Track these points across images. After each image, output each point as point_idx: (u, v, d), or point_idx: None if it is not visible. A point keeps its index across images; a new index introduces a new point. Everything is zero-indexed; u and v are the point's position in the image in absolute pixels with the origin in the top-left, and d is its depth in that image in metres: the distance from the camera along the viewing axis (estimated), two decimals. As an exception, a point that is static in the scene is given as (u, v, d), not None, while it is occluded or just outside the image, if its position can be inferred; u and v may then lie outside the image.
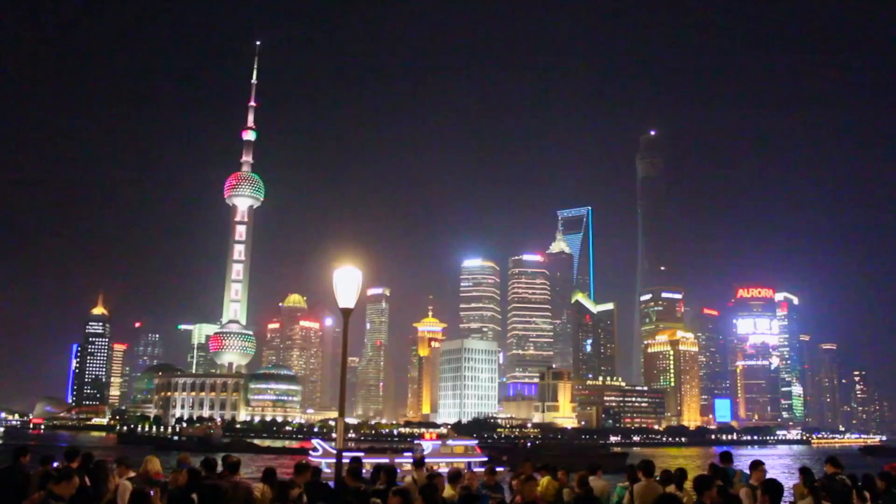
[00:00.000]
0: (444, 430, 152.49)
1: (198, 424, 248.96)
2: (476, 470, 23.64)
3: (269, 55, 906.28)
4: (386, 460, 59.20)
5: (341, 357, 15.94)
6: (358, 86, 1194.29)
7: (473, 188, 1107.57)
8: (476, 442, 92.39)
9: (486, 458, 72.56)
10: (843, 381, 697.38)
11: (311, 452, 67.81)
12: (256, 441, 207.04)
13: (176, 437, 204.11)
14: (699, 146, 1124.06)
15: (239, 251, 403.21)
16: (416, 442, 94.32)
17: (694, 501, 13.07)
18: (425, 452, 72.39)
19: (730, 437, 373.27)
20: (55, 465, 14.37)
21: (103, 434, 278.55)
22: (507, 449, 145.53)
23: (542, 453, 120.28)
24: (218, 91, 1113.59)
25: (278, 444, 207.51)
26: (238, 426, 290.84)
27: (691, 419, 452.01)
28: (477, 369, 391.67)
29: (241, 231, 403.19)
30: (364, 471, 15.31)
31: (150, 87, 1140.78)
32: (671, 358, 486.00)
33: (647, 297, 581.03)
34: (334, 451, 67.88)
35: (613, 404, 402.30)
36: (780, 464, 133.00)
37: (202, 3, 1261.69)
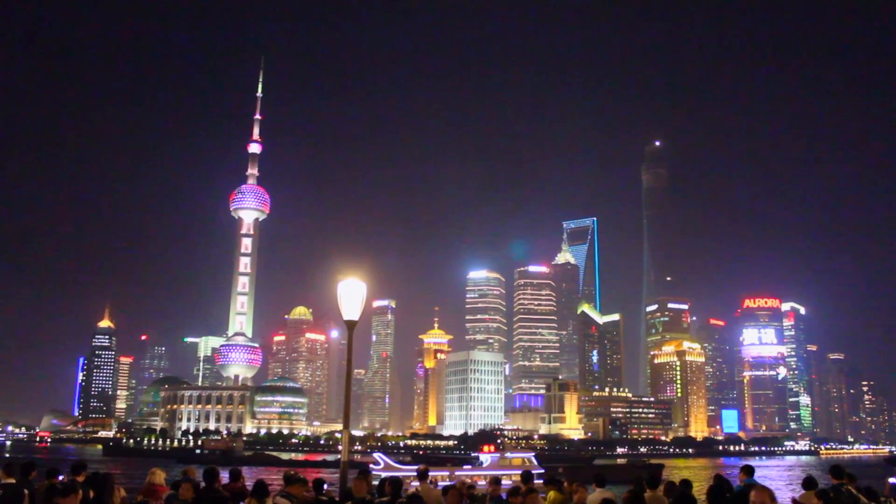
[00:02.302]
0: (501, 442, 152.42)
1: (219, 437, 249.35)
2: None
3: (274, 68, 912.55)
4: (446, 472, 59.25)
5: (347, 369, 15.99)
6: (363, 99, 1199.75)
7: (479, 200, 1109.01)
8: (534, 454, 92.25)
9: (542, 471, 72.77)
10: (852, 391, 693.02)
11: (371, 466, 67.72)
12: (277, 454, 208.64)
13: (199, 451, 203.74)
14: (704, 156, 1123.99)
15: (245, 263, 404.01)
16: (473, 455, 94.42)
17: None
18: (484, 465, 72.58)
19: (737, 447, 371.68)
20: (61, 478, 14.42)
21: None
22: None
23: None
24: (224, 104, 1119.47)
25: (300, 456, 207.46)
26: (244, 439, 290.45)
27: (698, 430, 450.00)
28: (483, 381, 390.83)
29: (246, 243, 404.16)
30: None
31: (155, 100, 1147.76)
32: (678, 368, 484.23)
33: (654, 307, 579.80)
34: (396, 465, 68.40)
35: (620, 415, 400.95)
36: (788, 475, 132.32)
37: (208, 17, 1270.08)
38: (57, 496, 11.16)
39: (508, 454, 78.57)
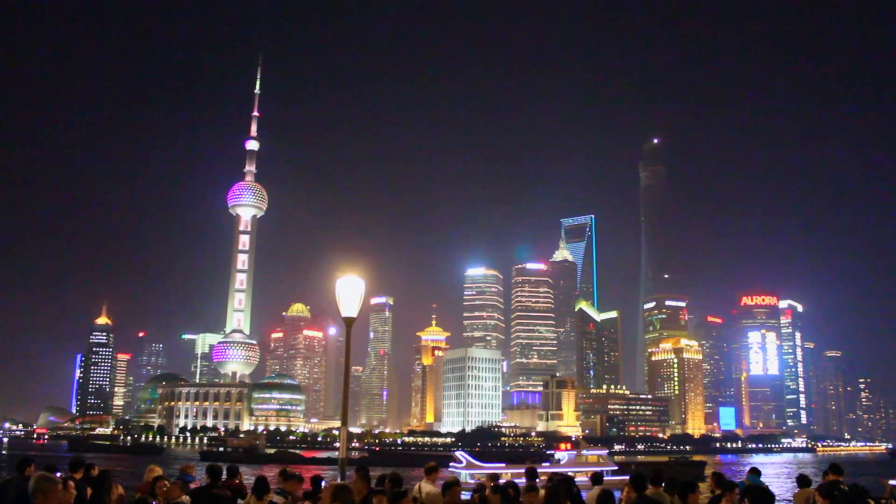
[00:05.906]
0: (575, 439, 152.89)
1: (243, 436, 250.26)
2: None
3: (271, 66, 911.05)
4: (522, 470, 59.90)
5: (344, 366, 15.90)
6: (360, 95, 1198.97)
7: (477, 197, 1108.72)
8: (608, 451, 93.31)
9: (616, 468, 74.07)
10: (848, 388, 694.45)
11: (452, 464, 67.49)
12: (300, 451, 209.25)
13: (221, 449, 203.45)
14: (702, 154, 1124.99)
15: (242, 260, 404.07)
16: (549, 452, 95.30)
17: None
18: (561, 462, 73.38)
19: (734, 445, 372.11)
20: (58, 475, 14.34)
21: (108, 443, 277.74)
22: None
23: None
24: (221, 101, 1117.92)
25: (324, 454, 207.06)
26: (241, 436, 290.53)
27: (696, 427, 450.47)
28: (480, 378, 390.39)
29: (244, 240, 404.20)
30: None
31: (153, 97, 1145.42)
32: (675, 366, 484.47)
33: (651, 304, 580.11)
34: (478, 463, 69.09)
35: (617, 412, 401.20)
36: (785, 472, 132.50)
37: (206, 14, 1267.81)
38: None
39: (584, 452, 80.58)
